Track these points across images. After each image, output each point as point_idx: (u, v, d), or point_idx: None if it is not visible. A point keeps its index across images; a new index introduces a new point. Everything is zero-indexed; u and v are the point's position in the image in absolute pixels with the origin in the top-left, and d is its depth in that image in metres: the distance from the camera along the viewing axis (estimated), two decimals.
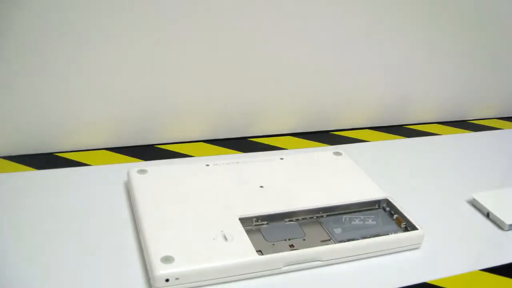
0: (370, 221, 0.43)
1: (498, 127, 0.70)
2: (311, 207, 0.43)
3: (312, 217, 0.43)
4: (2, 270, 0.36)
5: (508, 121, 0.72)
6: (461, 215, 0.48)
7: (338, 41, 0.59)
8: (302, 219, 0.42)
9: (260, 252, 0.38)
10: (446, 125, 0.69)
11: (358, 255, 0.40)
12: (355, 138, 0.62)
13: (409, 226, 0.42)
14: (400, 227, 0.43)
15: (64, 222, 0.41)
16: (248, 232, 0.39)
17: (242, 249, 0.37)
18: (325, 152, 0.53)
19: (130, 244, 0.39)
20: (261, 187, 0.45)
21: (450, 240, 0.44)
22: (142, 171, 0.45)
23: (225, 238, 0.38)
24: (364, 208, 0.45)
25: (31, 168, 0.48)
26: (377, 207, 0.45)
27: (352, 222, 0.43)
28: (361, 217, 0.43)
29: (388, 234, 0.41)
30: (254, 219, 0.41)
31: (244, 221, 0.40)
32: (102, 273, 0.36)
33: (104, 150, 0.53)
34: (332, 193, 0.45)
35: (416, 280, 0.39)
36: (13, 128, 0.51)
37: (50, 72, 0.49)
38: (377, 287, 0.38)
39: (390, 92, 0.65)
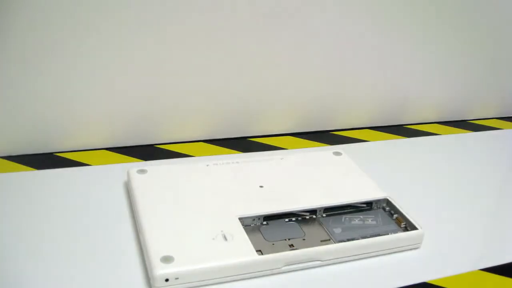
0: (370, 221, 0.43)
1: (498, 127, 0.70)
2: (311, 207, 0.43)
3: (312, 217, 0.43)
4: (2, 269, 0.36)
5: (508, 121, 0.72)
6: (461, 215, 0.48)
7: (338, 41, 0.59)
8: (302, 219, 0.42)
9: (260, 252, 0.38)
10: (446, 125, 0.69)
11: (358, 255, 0.40)
12: (355, 138, 0.62)
13: (409, 226, 0.42)
14: (400, 227, 0.43)
15: (64, 222, 0.41)
16: (247, 231, 0.39)
17: (242, 249, 0.37)
18: (325, 152, 0.53)
19: (130, 244, 0.39)
20: (261, 187, 0.45)
21: (450, 240, 0.44)
22: (142, 171, 0.45)
23: (225, 238, 0.38)
24: (364, 208, 0.45)
25: (31, 168, 0.48)
26: (377, 207, 0.45)
27: (352, 222, 0.43)
28: (361, 217, 0.43)
29: (388, 234, 0.41)
30: (254, 218, 0.41)
31: (244, 220, 0.40)
32: (102, 273, 0.36)
33: (104, 150, 0.53)
34: (332, 193, 0.45)
35: (416, 280, 0.39)
36: (13, 128, 0.51)
37: (50, 72, 0.49)
38: (377, 287, 0.38)
39: (390, 92, 0.65)
